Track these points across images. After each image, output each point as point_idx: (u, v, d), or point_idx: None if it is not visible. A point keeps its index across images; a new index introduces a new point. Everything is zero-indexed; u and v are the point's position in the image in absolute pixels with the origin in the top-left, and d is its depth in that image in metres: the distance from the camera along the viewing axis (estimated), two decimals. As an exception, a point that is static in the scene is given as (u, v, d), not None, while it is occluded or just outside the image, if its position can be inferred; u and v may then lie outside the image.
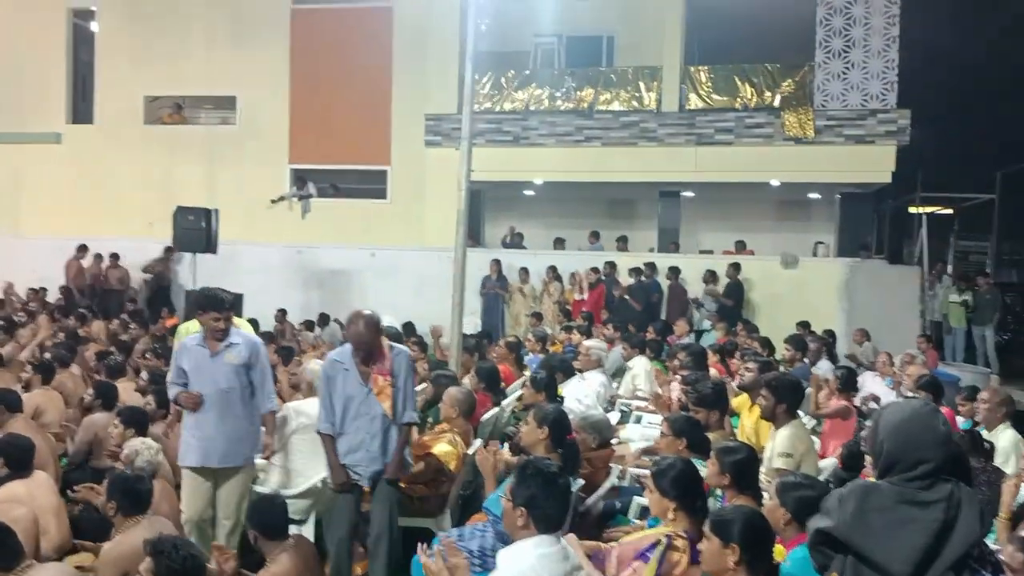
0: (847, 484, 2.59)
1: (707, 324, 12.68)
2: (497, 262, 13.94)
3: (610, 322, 11.35)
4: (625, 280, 13.35)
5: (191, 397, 4.80)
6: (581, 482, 4.73)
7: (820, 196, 15.70)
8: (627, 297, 12.96)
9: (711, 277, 13.18)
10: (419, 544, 3.36)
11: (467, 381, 6.95)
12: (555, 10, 14.39)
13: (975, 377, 10.71)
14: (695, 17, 14.52)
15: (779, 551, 3.22)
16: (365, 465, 4.59)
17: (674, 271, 13.28)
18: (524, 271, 13.95)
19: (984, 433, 5.49)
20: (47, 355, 7.76)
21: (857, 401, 7.26)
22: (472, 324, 11.98)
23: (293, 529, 4.45)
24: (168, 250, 14.21)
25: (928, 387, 6.54)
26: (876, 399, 7.48)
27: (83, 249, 14.99)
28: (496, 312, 13.77)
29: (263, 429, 5.03)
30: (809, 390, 7.06)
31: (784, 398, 4.92)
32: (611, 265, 13.60)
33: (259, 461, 5.15)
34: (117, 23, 15.96)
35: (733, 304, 12.80)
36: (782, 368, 7.65)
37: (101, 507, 4.12)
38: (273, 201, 13.97)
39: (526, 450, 4.64)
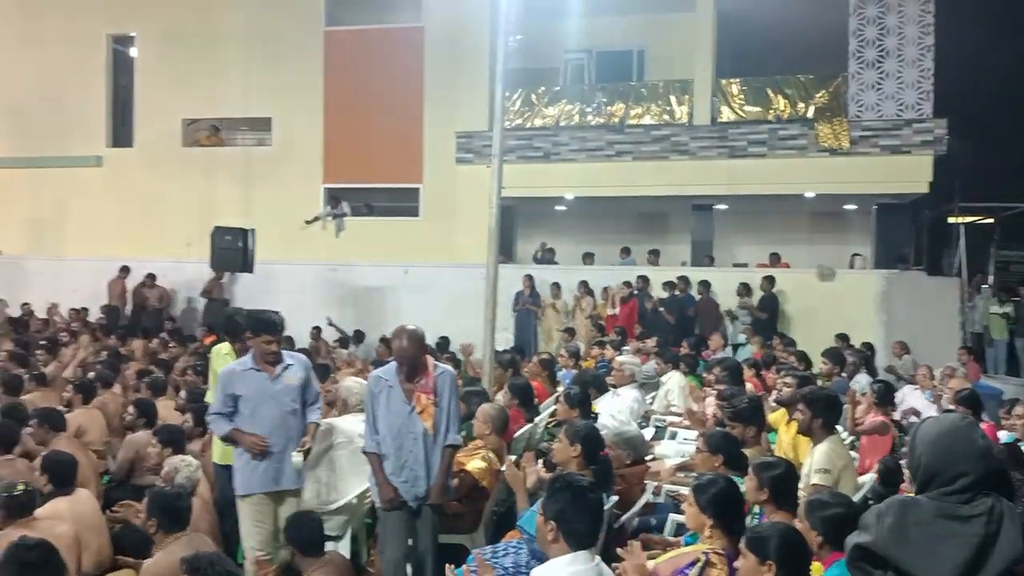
0: (886, 499, 2.55)
1: (742, 338, 12.57)
2: (530, 278, 13.95)
3: (644, 336, 11.31)
4: (658, 294, 13.29)
5: (259, 443, 4.68)
6: (615, 499, 4.71)
7: (856, 207, 15.51)
8: (661, 310, 12.89)
9: (745, 290, 13.06)
10: (447, 567, 3.35)
11: (500, 397, 6.95)
12: (585, 26, 14.46)
13: (1018, 390, 10.48)
14: (726, 30, 14.48)
15: (816, 568, 3.18)
16: (409, 486, 4.54)
17: (704, 285, 13.19)
18: (556, 286, 13.94)
19: (1026, 447, 5.38)
20: (90, 374, 7.91)
21: (897, 415, 7.14)
22: (503, 340, 12.01)
23: (329, 545, 4.49)
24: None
25: (966, 401, 6.39)
26: (916, 413, 7.36)
27: (125, 270, 15.32)
28: (529, 328, 13.76)
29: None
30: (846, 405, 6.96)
31: (821, 413, 4.85)
32: (644, 279, 13.54)
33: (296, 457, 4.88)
34: (155, 49, 16.36)
35: (767, 317, 12.68)
36: (819, 382, 7.55)
37: (141, 525, 4.18)
38: (307, 222, 14.15)
39: (559, 467, 4.63)
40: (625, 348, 10.43)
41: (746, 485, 3.83)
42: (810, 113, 13.81)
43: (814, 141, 13.51)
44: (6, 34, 17.15)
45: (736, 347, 12.41)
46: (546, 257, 15.59)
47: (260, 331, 4.80)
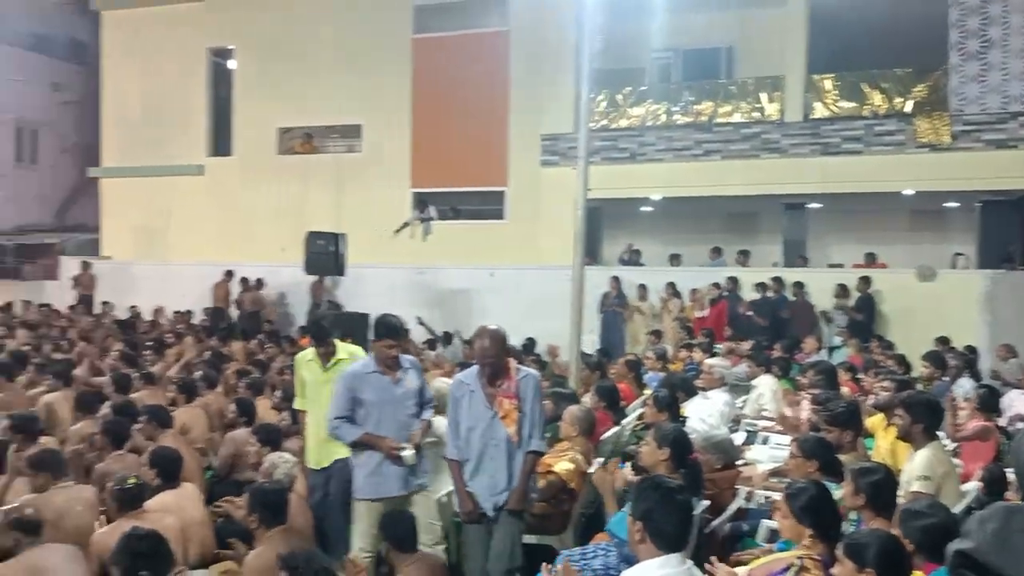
0: (989, 506, 2.46)
1: (838, 340, 12.20)
2: (616, 279, 13.87)
3: (736, 338, 11.11)
4: (749, 296, 13.03)
5: (396, 447, 4.65)
6: (706, 503, 4.65)
7: (958, 205, 14.86)
8: (751, 313, 12.63)
9: (842, 291, 12.67)
10: (543, 565, 3.38)
11: (587, 399, 6.95)
12: (671, 25, 14.28)
13: None
14: (818, 24, 14.07)
15: (917, 577, 3.08)
16: (489, 493, 4.45)
17: (798, 286, 12.86)
18: (642, 288, 13.82)
19: None
20: (196, 374, 8.24)
21: (1003, 421, 6.82)
22: (589, 342, 11.97)
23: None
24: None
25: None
26: (1023, 419, 7.02)
27: (229, 274, 15.94)
28: (615, 330, 13.68)
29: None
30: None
31: (921, 418, 4.68)
32: (733, 280, 13.30)
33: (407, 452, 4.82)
34: (252, 61, 17.01)
35: (864, 318, 12.28)
36: (920, 386, 7.28)
37: (242, 520, 4.34)
38: (396, 231, 14.44)
39: (647, 471, 4.60)
40: (717, 349, 10.27)
41: (843, 490, 3.74)
42: (908, 108, 13.30)
43: (912, 137, 13.02)
44: (114, 51, 18.12)
45: (832, 349, 12.06)
46: (632, 258, 15.49)
47: (384, 335, 4.77)
